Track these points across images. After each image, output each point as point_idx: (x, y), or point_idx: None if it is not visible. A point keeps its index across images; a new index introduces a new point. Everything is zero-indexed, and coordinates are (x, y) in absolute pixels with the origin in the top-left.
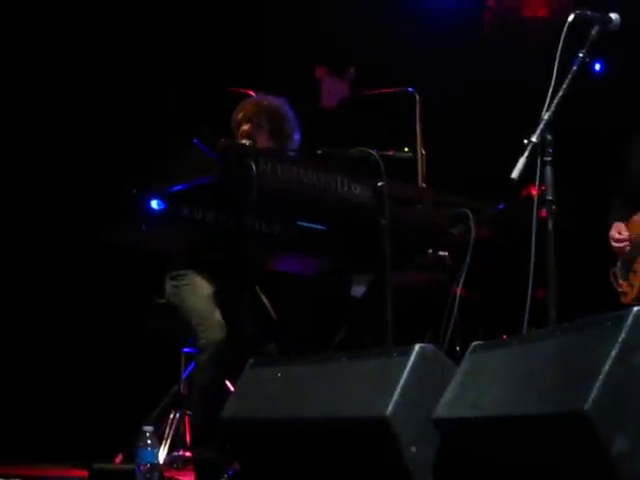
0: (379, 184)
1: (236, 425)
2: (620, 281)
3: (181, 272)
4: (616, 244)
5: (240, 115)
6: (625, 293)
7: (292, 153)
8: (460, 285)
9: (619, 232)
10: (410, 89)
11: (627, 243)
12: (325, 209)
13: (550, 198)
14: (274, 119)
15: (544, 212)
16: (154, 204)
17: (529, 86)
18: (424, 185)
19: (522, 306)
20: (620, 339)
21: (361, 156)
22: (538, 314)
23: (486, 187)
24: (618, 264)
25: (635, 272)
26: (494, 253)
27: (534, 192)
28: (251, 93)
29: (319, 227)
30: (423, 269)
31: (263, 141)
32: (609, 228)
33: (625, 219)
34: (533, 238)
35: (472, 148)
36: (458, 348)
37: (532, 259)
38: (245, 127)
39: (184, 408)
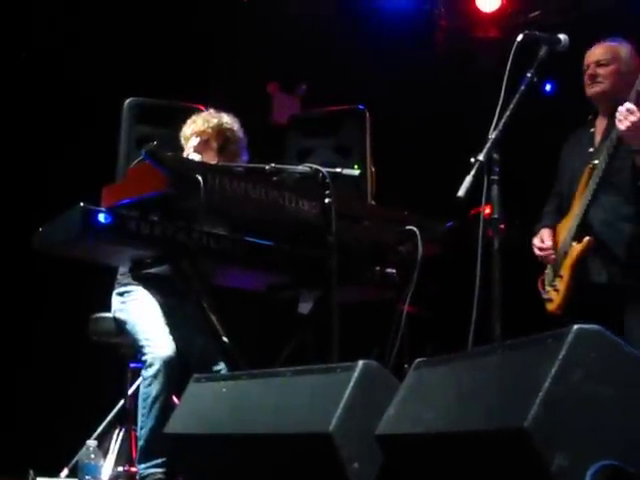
0: (327, 201)
1: (180, 440)
2: (547, 287)
3: (129, 288)
4: (540, 253)
5: (189, 130)
6: (551, 300)
7: (238, 164)
8: (407, 302)
9: (542, 240)
10: (360, 107)
11: (551, 252)
12: (273, 225)
13: (496, 217)
14: (222, 137)
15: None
16: (101, 217)
17: (480, 105)
18: (373, 202)
19: (469, 323)
20: (560, 356)
21: (309, 173)
22: (484, 331)
23: (436, 205)
24: (546, 271)
25: (562, 277)
26: (443, 270)
27: (486, 211)
28: (201, 108)
29: (267, 243)
30: (370, 286)
31: (211, 157)
32: (534, 235)
33: (554, 225)
34: (479, 256)
35: (423, 166)
36: (406, 365)
37: (477, 277)
38: (194, 142)
39: (130, 423)
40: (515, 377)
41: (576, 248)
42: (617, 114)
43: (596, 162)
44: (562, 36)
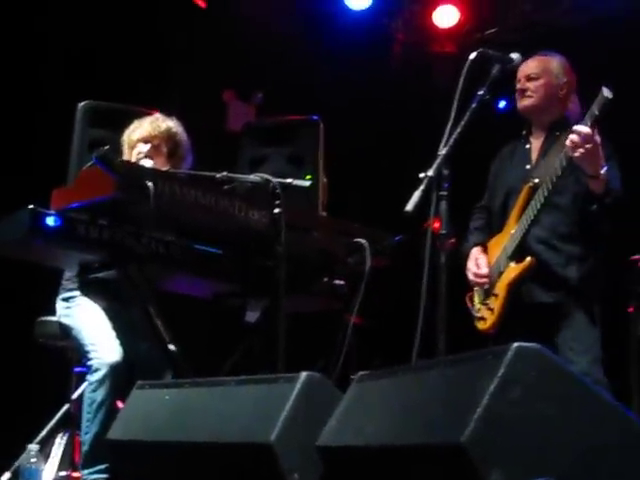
0: (276, 211)
1: (122, 447)
2: (478, 306)
3: (74, 293)
4: (475, 279)
5: (137, 135)
6: (483, 319)
7: (185, 172)
8: (354, 314)
9: (478, 266)
10: (314, 117)
11: (486, 280)
12: (222, 233)
13: (444, 232)
14: (172, 141)
15: (451, 243)
16: (50, 220)
17: (434, 120)
18: (324, 213)
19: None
20: (499, 374)
21: (260, 182)
22: (430, 344)
23: (388, 218)
24: (475, 288)
25: (496, 296)
26: (391, 283)
27: (435, 225)
28: (155, 113)
29: (216, 250)
30: (318, 296)
31: (161, 163)
32: (465, 256)
33: (484, 243)
34: (425, 270)
35: (375, 179)
36: (352, 377)
37: (423, 290)
38: (143, 149)
39: (74, 428)
40: (455, 393)
41: (515, 268)
42: (569, 141)
43: (537, 181)
44: (515, 55)
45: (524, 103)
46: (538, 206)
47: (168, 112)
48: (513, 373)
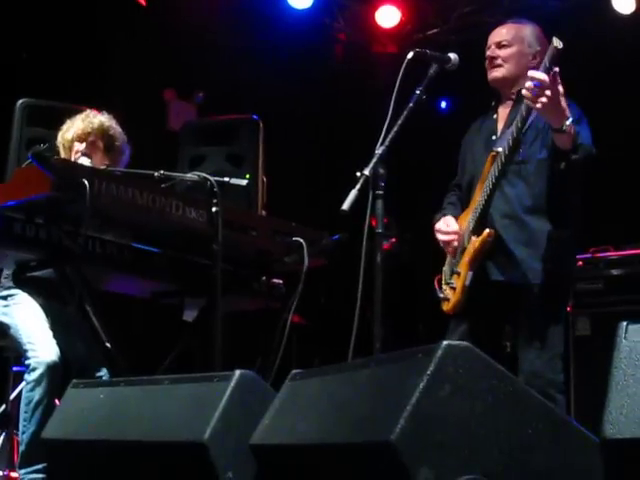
0: (214, 210)
1: (57, 446)
2: (443, 286)
3: (12, 291)
4: (443, 237)
5: (71, 134)
6: (447, 299)
7: (122, 169)
8: (291, 313)
9: (447, 224)
10: (254, 117)
11: (455, 237)
12: (159, 232)
13: (380, 231)
14: (108, 137)
15: (386, 245)
16: None
17: (374, 119)
18: (263, 212)
19: (359, 334)
20: (429, 372)
21: (198, 181)
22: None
23: (326, 217)
24: (444, 268)
25: (459, 274)
26: (330, 282)
27: (373, 223)
28: (95, 111)
29: (153, 249)
30: (256, 296)
31: (99, 159)
32: (435, 222)
33: (456, 217)
34: (361, 268)
35: (315, 178)
36: None
37: (359, 290)
38: (80, 147)
39: (11, 427)
40: (385, 391)
41: (474, 242)
42: (524, 90)
43: (499, 149)
44: (452, 55)
45: (494, 74)
46: (496, 174)
47: (108, 111)
48: (442, 371)
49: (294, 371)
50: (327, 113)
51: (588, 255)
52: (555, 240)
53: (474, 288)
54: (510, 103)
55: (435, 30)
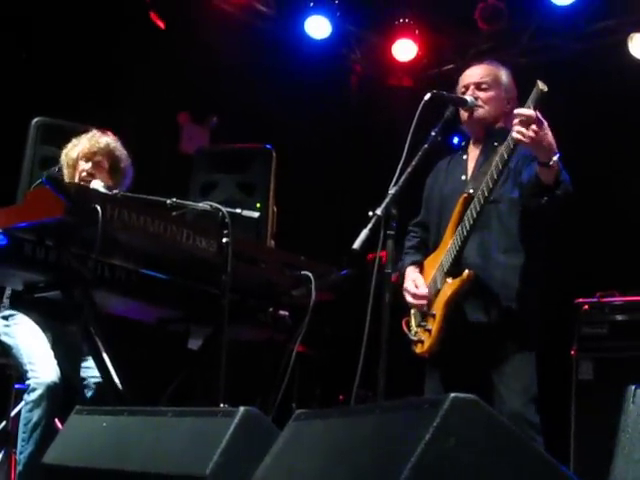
0: (224, 240)
1: (57, 472)
2: (415, 329)
3: (13, 311)
4: (414, 301)
5: (76, 153)
6: (421, 341)
7: (134, 195)
8: (296, 345)
9: (416, 286)
10: (268, 146)
11: (424, 302)
12: (169, 260)
13: (388, 271)
14: (113, 158)
15: (394, 277)
16: None
17: (389, 152)
18: (272, 242)
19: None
20: (435, 423)
21: (210, 211)
22: (372, 378)
23: (333, 250)
24: (412, 311)
25: (434, 316)
26: (335, 316)
27: (381, 257)
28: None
29: (161, 276)
30: (262, 326)
31: (104, 179)
32: (402, 276)
33: (421, 262)
34: (370, 302)
35: (326, 210)
36: (294, 404)
37: (366, 327)
38: (85, 166)
39: (10, 446)
40: (390, 440)
41: (452, 284)
42: (514, 126)
43: (471, 191)
44: (469, 98)
45: (478, 114)
46: (474, 215)
47: (122, 132)
48: (448, 424)
49: (298, 411)
50: (340, 144)
51: (594, 299)
52: (527, 279)
53: (450, 330)
54: (481, 145)
55: (451, 66)
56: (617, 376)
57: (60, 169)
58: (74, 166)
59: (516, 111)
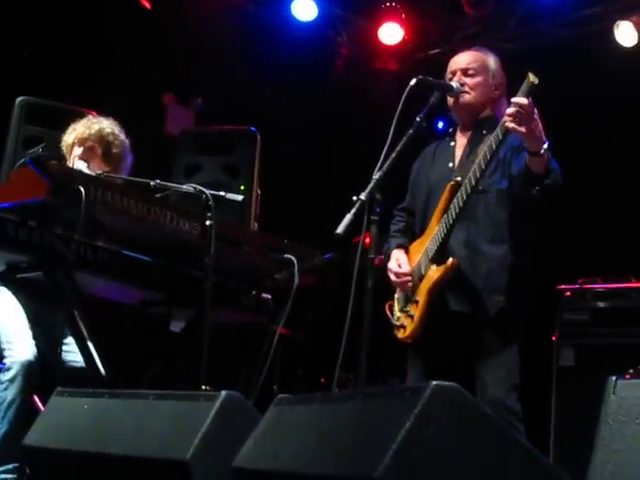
0: (207, 223)
1: (37, 453)
2: (398, 314)
3: None
4: (396, 279)
5: (71, 139)
6: (403, 327)
7: (124, 176)
8: (278, 328)
9: (399, 265)
10: (252, 128)
11: (409, 279)
12: (152, 242)
13: (372, 256)
14: (106, 143)
15: (378, 260)
16: None
17: (374, 135)
18: (256, 224)
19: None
20: (416, 411)
21: (193, 193)
22: (353, 361)
23: (317, 234)
24: (396, 295)
25: (417, 302)
26: (319, 300)
27: (366, 240)
28: (93, 113)
29: (144, 258)
30: (245, 309)
31: (97, 164)
32: (387, 257)
33: (406, 246)
34: (353, 285)
35: (310, 193)
36: (275, 387)
37: (349, 310)
38: (78, 151)
39: None
40: (371, 427)
41: (436, 271)
42: (508, 115)
43: (459, 179)
44: (454, 84)
45: (463, 100)
46: (461, 204)
47: (107, 113)
48: (429, 411)
49: (280, 395)
50: (325, 127)
51: (576, 286)
52: (512, 271)
53: (433, 317)
54: (469, 132)
55: (437, 50)
56: (598, 363)
57: (44, 149)
58: (70, 151)
59: (513, 99)
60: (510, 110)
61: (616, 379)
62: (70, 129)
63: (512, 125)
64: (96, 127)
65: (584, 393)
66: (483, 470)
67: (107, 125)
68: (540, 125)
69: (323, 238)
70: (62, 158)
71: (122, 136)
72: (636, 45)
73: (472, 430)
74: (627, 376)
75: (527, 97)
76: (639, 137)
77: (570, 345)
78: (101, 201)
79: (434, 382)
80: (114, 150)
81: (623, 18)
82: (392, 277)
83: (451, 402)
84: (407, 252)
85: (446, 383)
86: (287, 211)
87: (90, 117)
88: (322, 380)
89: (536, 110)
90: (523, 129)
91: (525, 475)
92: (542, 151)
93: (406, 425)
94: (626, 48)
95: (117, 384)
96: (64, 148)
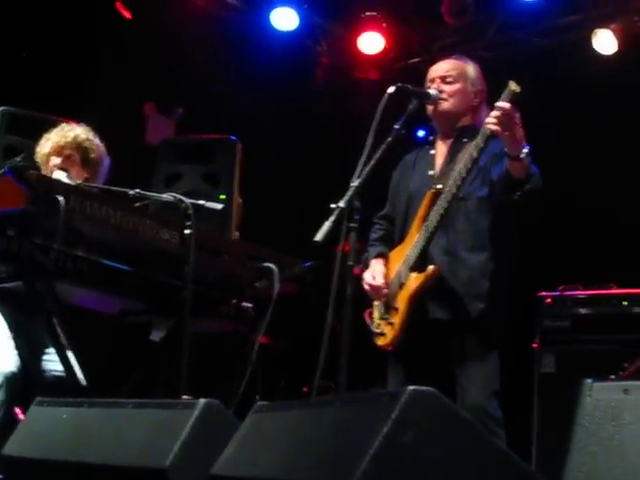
0: (187, 232)
1: (17, 463)
2: (377, 321)
3: None
4: (370, 291)
5: (47, 149)
6: (383, 334)
7: (103, 186)
8: (258, 337)
9: (374, 277)
10: (232, 137)
11: (382, 289)
12: (131, 251)
13: (350, 263)
14: (83, 150)
15: (357, 269)
16: None
17: (354, 144)
18: (237, 233)
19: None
20: (393, 416)
21: (173, 202)
22: (335, 370)
23: (298, 242)
24: (375, 303)
25: (397, 310)
26: (300, 308)
27: (346, 248)
28: (72, 123)
29: (124, 267)
30: (225, 318)
31: (77, 172)
32: (364, 267)
33: (385, 254)
34: (332, 293)
35: (291, 202)
36: (258, 396)
37: (329, 319)
38: (57, 161)
39: None
40: (349, 432)
41: (416, 279)
42: (491, 117)
43: (439, 187)
44: (432, 91)
45: (440, 107)
46: (441, 212)
47: (88, 122)
48: (407, 417)
49: (259, 403)
50: (306, 136)
51: (557, 293)
52: (493, 277)
53: (413, 324)
54: (449, 140)
55: (418, 59)
56: (579, 369)
57: (24, 159)
58: (47, 162)
59: (497, 104)
60: (493, 113)
61: (592, 382)
62: (43, 139)
63: (494, 128)
64: (71, 135)
65: (565, 399)
66: (461, 475)
67: (81, 131)
68: (521, 130)
69: (304, 246)
70: (38, 169)
71: (97, 140)
72: (615, 53)
73: (450, 435)
74: (608, 380)
75: (509, 102)
76: (618, 145)
77: (551, 352)
78: (80, 210)
79: (411, 387)
80: (91, 155)
81: (601, 26)
82: (366, 287)
83: (429, 407)
84: (387, 260)
85: (424, 388)
86: (268, 219)
87: (63, 125)
88: (305, 389)
89: (518, 115)
90: (505, 132)
91: (503, 478)
92: (522, 156)
93: (383, 430)
94: (604, 56)
95: (97, 393)
96: (39, 159)
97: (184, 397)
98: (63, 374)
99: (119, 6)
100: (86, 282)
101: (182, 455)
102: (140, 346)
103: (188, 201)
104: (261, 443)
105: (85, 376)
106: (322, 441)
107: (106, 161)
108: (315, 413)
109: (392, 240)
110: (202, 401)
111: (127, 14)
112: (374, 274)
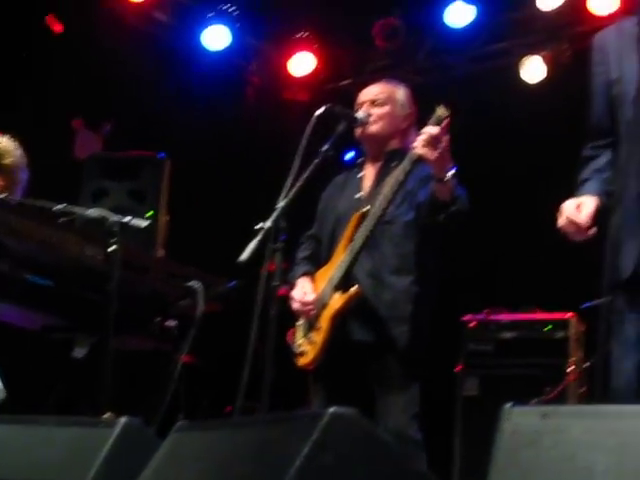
0: (111, 249)
1: None
2: (300, 340)
3: None
4: (300, 307)
5: None
6: (304, 354)
7: (22, 199)
8: (181, 356)
9: (305, 293)
10: (161, 155)
11: (312, 307)
12: (55, 266)
13: (276, 284)
14: None
15: (283, 290)
16: None
17: (282, 166)
18: (163, 251)
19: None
20: (314, 437)
21: (98, 218)
22: (259, 390)
23: (226, 261)
24: (298, 323)
25: (319, 329)
26: (224, 327)
27: (270, 268)
28: None
29: (46, 283)
30: (148, 336)
31: None
32: (292, 285)
33: (312, 273)
34: (256, 313)
35: (218, 221)
36: (182, 416)
37: (252, 339)
38: None
39: None
40: (269, 453)
41: (340, 299)
42: (419, 141)
43: (366, 209)
44: (360, 115)
45: (368, 130)
46: (367, 234)
47: (15, 136)
48: (327, 438)
49: (180, 422)
50: (234, 156)
51: (481, 316)
52: (417, 301)
53: (334, 345)
54: (378, 163)
55: (348, 81)
56: (502, 393)
57: None
58: None
59: (424, 129)
60: (420, 137)
61: (512, 406)
62: None
63: (421, 151)
64: None
65: (488, 423)
66: None
67: None
68: (448, 153)
69: (229, 265)
70: None
71: (14, 148)
72: (543, 80)
73: (370, 457)
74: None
75: (437, 126)
76: (542, 169)
77: (474, 375)
78: (3, 224)
79: (332, 409)
80: (5, 161)
81: (530, 52)
82: (296, 305)
83: (349, 429)
84: (313, 279)
85: (344, 410)
86: (194, 238)
87: None
88: (228, 408)
89: (446, 138)
90: (431, 156)
91: None
92: (447, 178)
93: (304, 451)
94: (531, 84)
95: (17, 410)
96: None
97: (107, 415)
98: None
99: (49, 20)
100: (7, 297)
101: (101, 474)
102: (62, 363)
103: (112, 217)
104: (181, 463)
105: (5, 393)
106: (242, 461)
107: (24, 173)
108: (236, 433)
109: (319, 260)
110: (122, 420)
111: (58, 28)
112: (305, 291)
